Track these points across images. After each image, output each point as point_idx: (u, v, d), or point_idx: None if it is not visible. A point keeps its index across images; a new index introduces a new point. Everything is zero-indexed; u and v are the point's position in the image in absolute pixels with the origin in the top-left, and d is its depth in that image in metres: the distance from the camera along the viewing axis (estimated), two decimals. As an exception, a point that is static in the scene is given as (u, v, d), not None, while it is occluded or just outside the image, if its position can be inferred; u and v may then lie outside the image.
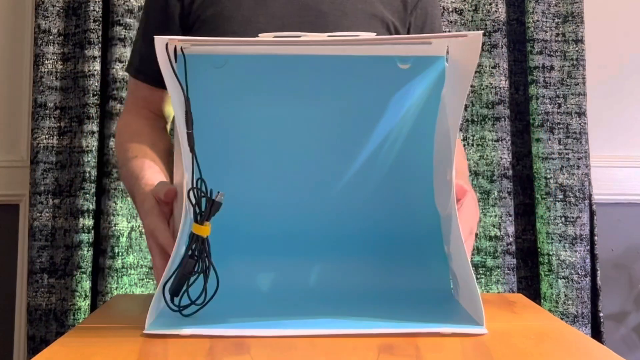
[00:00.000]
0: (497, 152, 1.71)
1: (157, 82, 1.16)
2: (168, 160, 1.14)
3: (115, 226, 1.62)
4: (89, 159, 1.64)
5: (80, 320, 1.54)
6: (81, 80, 1.67)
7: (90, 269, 1.64)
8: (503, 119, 1.71)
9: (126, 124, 1.21)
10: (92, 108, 1.65)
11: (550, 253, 1.68)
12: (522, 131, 1.78)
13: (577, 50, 1.73)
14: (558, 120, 1.72)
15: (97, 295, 1.64)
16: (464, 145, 1.73)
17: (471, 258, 1.06)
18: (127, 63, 1.29)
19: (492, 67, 1.72)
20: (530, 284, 1.76)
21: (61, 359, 0.74)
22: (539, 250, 1.72)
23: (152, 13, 1.20)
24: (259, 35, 0.89)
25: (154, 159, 1.11)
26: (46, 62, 1.70)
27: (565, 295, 1.67)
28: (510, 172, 1.72)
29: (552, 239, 1.68)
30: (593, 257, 1.72)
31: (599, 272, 1.72)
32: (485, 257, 1.69)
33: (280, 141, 1.05)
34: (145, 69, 1.19)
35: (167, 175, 1.10)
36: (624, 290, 1.84)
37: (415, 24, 1.21)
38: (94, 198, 1.66)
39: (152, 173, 1.08)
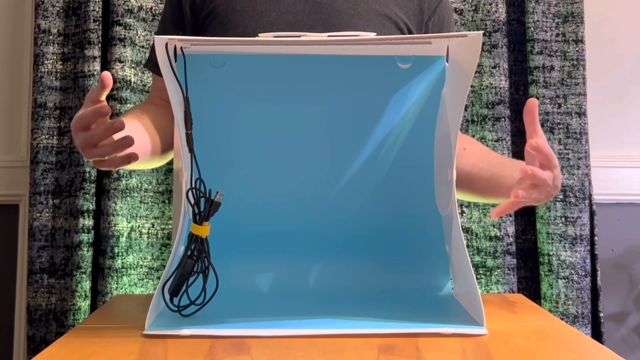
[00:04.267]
0: (497, 152, 1.70)
1: None
2: (159, 132, 1.14)
3: (115, 226, 1.62)
4: (89, 159, 1.65)
5: (80, 320, 1.54)
6: (81, 80, 1.67)
7: (90, 269, 1.64)
8: (503, 119, 1.71)
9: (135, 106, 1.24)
10: (92, 108, 1.65)
11: (551, 253, 1.68)
12: (522, 131, 1.78)
13: (577, 50, 1.72)
14: (558, 121, 1.72)
15: (97, 295, 1.64)
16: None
17: (471, 258, 1.06)
18: (147, 59, 1.34)
19: (492, 67, 1.72)
20: (530, 284, 1.75)
21: (61, 359, 0.74)
22: (539, 250, 1.72)
23: (169, 9, 1.24)
24: (259, 35, 0.89)
25: (140, 118, 1.12)
26: (46, 62, 1.70)
27: (566, 296, 1.67)
28: (510, 172, 1.72)
29: (552, 239, 1.68)
30: (593, 257, 1.71)
31: (599, 272, 1.72)
32: (485, 257, 1.69)
33: (280, 141, 1.05)
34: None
35: (147, 134, 1.10)
36: (624, 291, 1.84)
37: (432, 30, 1.21)
38: (94, 198, 1.66)
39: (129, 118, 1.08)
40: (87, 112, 0.90)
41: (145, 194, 1.68)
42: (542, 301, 1.70)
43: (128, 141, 0.89)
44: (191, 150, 0.89)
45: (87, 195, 1.64)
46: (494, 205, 1.71)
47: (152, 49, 1.29)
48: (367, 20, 1.15)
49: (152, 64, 1.27)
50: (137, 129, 1.08)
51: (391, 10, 1.17)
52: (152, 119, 1.14)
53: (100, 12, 1.67)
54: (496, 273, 1.68)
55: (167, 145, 1.16)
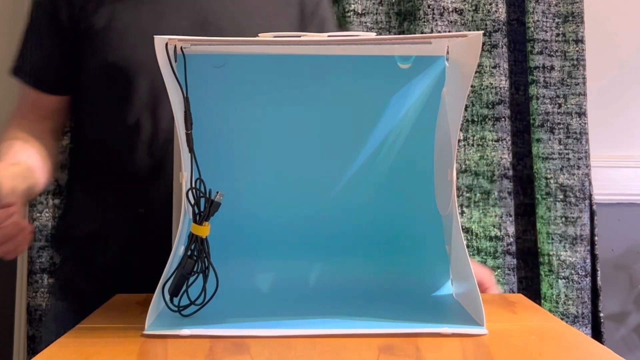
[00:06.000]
0: (497, 152, 1.71)
1: (45, 87, 1.21)
2: (49, 158, 1.17)
3: (115, 226, 1.62)
4: (89, 159, 1.64)
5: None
6: (81, 80, 1.66)
7: (90, 269, 1.64)
8: (503, 119, 1.71)
9: (8, 128, 1.22)
10: (92, 108, 1.65)
11: (551, 253, 1.68)
12: (522, 131, 1.78)
13: (577, 50, 1.73)
14: (558, 120, 1.72)
15: (97, 295, 1.64)
16: (464, 145, 1.73)
17: (471, 258, 1.06)
18: (14, 65, 1.26)
19: (492, 67, 1.72)
20: (530, 284, 1.75)
21: (61, 359, 0.74)
22: (539, 250, 1.72)
23: (41, 17, 1.20)
24: (259, 34, 0.89)
25: (27, 150, 1.14)
26: (46, 62, 1.69)
27: (566, 296, 1.67)
28: (510, 172, 1.72)
29: (553, 239, 1.68)
30: (593, 257, 1.71)
31: (599, 272, 1.72)
32: (485, 257, 1.69)
33: (280, 141, 1.05)
34: (36, 73, 1.21)
35: (42, 168, 1.13)
36: (624, 291, 1.84)
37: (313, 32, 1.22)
38: (94, 198, 1.66)
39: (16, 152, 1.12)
40: None
41: (145, 194, 1.68)
42: (542, 301, 1.70)
43: (29, 235, 0.95)
44: (191, 150, 0.89)
45: (87, 195, 1.64)
46: (494, 206, 1.73)
47: (21, 54, 1.23)
48: (251, 36, 1.15)
49: (24, 74, 1.21)
50: (32, 167, 1.10)
51: (272, 22, 1.18)
52: (37, 145, 1.16)
53: (100, 12, 1.67)
54: (496, 273, 1.68)
55: (53, 167, 1.20)
